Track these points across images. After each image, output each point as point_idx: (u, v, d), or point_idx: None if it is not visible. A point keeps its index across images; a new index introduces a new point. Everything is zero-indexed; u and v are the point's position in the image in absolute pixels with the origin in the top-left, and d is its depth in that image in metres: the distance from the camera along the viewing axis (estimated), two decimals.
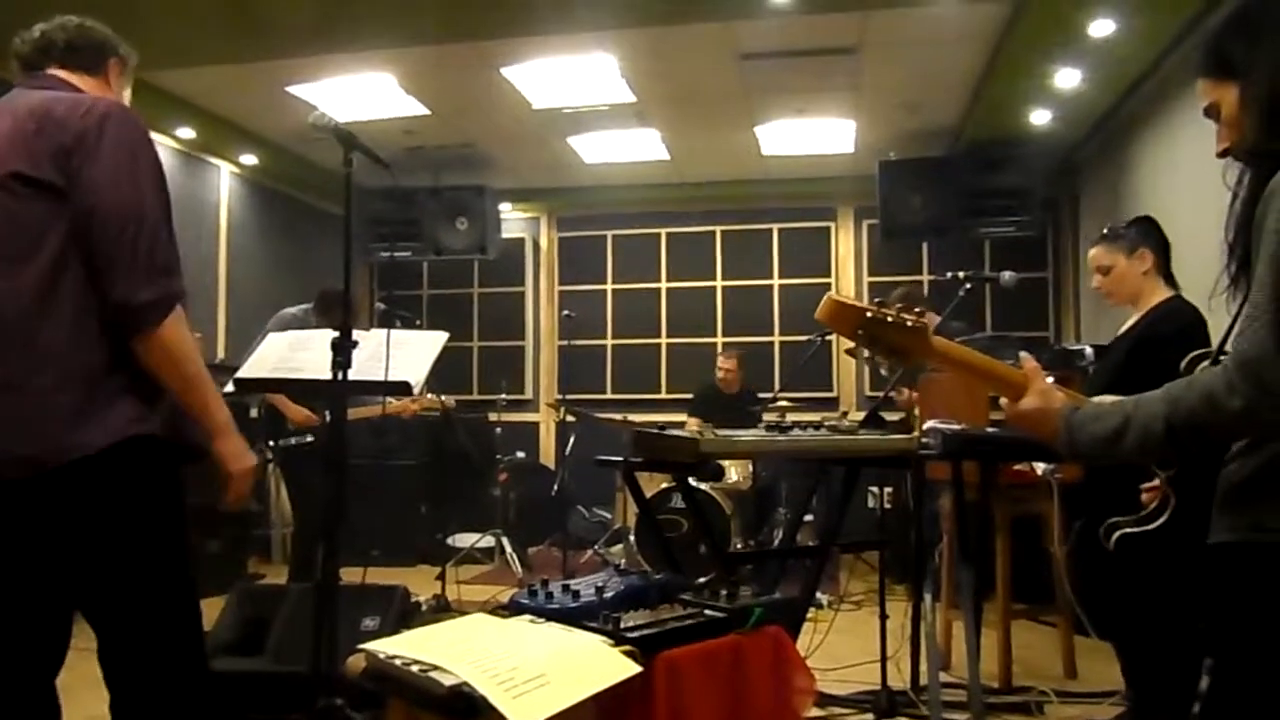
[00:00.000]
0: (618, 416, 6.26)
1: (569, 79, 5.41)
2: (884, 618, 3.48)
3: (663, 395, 7.21)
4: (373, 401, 5.00)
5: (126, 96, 2.03)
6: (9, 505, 1.70)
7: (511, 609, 1.67)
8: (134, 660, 1.77)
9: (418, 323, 5.02)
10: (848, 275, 7.24)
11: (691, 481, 5.63)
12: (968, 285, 3.31)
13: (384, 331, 2.88)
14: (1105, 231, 3.08)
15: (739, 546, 5.34)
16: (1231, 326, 1.41)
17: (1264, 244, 1.25)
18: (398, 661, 1.34)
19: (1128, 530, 1.54)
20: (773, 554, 3.07)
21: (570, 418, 6.38)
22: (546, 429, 7.58)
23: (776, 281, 7.30)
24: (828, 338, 6.66)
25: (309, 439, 4.71)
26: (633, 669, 1.40)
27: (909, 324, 1.48)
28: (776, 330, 7.26)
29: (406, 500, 6.65)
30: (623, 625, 1.54)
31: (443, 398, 5.03)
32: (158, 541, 1.80)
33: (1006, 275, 3.40)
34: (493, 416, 6.76)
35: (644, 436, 2.09)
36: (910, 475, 3.51)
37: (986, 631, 3.89)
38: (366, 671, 1.39)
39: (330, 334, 2.71)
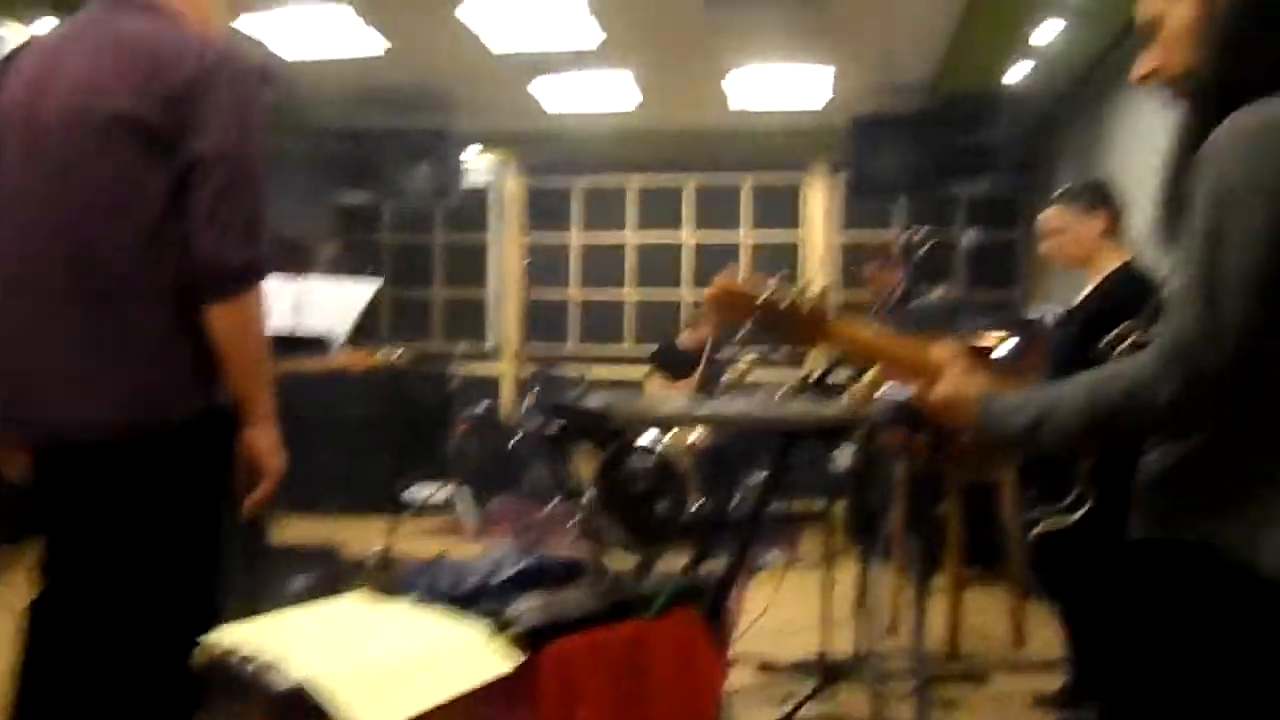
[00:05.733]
0: (576, 373, 6.15)
1: (533, 16, 5.16)
2: (829, 586, 3.41)
3: (627, 349, 7.08)
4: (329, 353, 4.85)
5: None
6: (94, 469, 1.62)
7: (400, 588, 1.56)
8: (134, 640, 1.65)
9: (369, 269, 4.84)
10: (817, 231, 7.10)
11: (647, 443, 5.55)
12: (927, 246, 3.19)
13: (307, 280, 2.72)
14: (1060, 192, 2.99)
15: (696, 508, 5.26)
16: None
17: (1197, 215, 1.12)
18: (235, 657, 1.22)
19: (1048, 525, 1.43)
20: (696, 529, 2.96)
21: (533, 370, 6.28)
22: (510, 381, 7.45)
23: (746, 236, 7.15)
24: None
25: None
26: (505, 667, 1.29)
27: (806, 310, 1.35)
28: None
29: (363, 451, 6.51)
30: (511, 612, 1.43)
31: (393, 354, 4.87)
32: (206, 518, 1.73)
33: (968, 235, 3.27)
34: (455, 367, 6.61)
35: (560, 409, 1.97)
36: (858, 444, 3.41)
37: (938, 596, 3.84)
38: (205, 666, 1.27)
39: None
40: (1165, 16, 1.25)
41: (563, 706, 1.39)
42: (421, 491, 6.44)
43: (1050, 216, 3.02)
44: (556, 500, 6.26)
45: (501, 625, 1.39)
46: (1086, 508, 1.44)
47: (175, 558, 1.69)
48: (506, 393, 7.46)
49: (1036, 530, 1.46)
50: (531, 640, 1.39)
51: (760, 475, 6.22)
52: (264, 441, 1.71)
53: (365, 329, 4.93)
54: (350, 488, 6.43)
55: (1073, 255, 2.98)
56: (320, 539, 4.66)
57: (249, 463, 1.72)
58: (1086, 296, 2.94)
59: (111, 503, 1.63)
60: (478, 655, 1.29)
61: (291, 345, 2.83)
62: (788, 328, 1.37)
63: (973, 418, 1.33)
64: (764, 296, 1.35)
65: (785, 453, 2.23)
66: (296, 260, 4.43)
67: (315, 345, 2.80)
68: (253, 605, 2.83)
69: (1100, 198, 2.90)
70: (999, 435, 1.31)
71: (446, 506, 6.33)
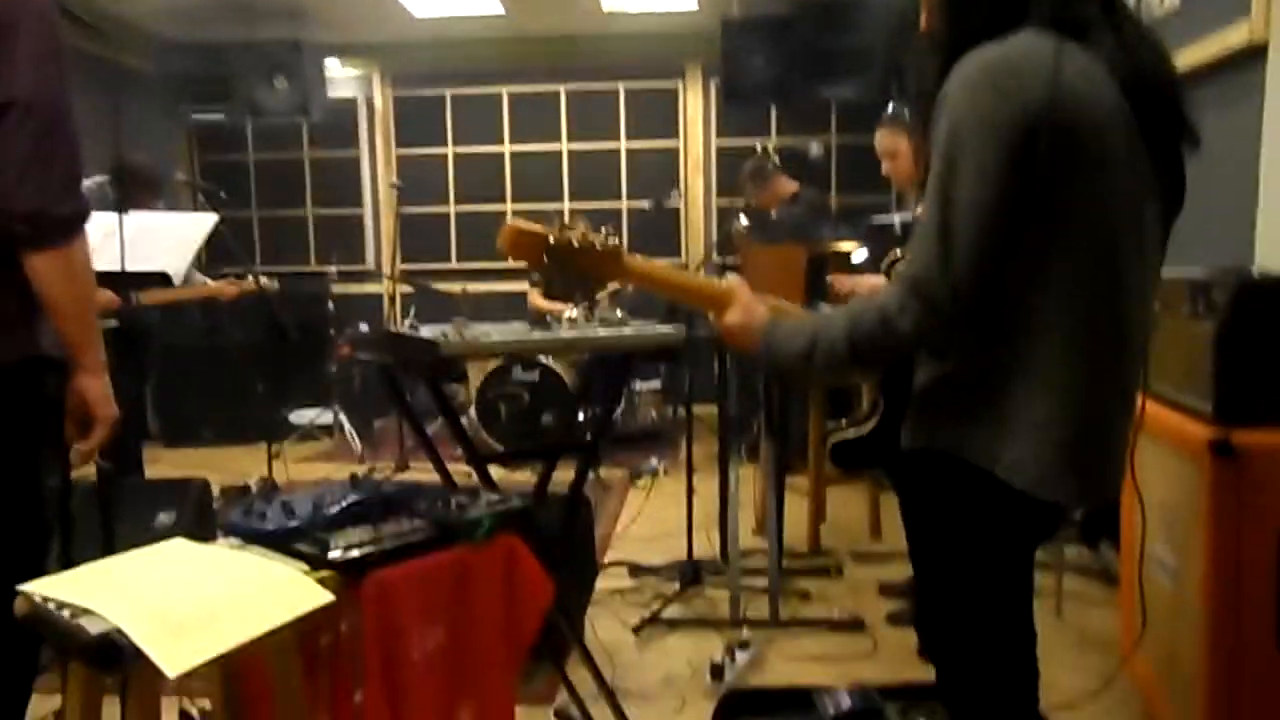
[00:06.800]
0: (456, 288, 6.09)
1: None
2: (690, 492, 3.56)
3: (509, 263, 7.01)
4: (194, 281, 4.70)
5: None
6: None
7: (225, 530, 1.58)
8: None
9: (222, 195, 4.65)
10: (696, 138, 7.09)
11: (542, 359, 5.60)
12: (774, 162, 3.25)
13: (142, 216, 2.62)
14: (886, 113, 3.04)
15: (581, 418, 5.35)
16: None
17: (933, 157, 1.20)
18: (50, 605, 1.24)
19: (840, 438, 1.54)
20: (532, 454, 3.04)
21: (410, 289, 6.21)
22: (392, 300, 7.33)
23: (624, 144, 7.10)
24: (670, 204, 6.58)
25: (112, 324, 4.39)
26: (324, 599, 1.34)
27: (598, 247, 1.39)
28: (624, 195, 7.11)
29: (241, 378, 6.40)
30: (333, 546, 1.47)
31: (262, 280, 4.73)
32: (25, 466, 1.69)
33: (814, 148, 3.35)
34: (334, 289, 6.48)
35: (390, 338, 1.98)
36: (716, 354, 3.52)
37: (801, 495, 4.05)
38: (26, 616, 1.28)
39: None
40: None
41: (386, 636, 1.45)
42: (304, 416, 6.38)
43: (881, 140, 3.07)
44: (440, 420, 6.29)
45: (318, 561, 1.44)
46: (876, 420, 1.55)
47: None
48: (389, 311, 7.36)
49: (831, 440, 1.57)
50: (352, 572, 1.44)
51: (650, 384, 6.40)
52: (95, 389, 1.69)
53: (232, 254, 4.78)
54: (228, 416, 6.34)
55: (908, 175, 3.05)
56: (198, 470, 4.61)
57: (80, 410, 1.70)
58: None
59: None
60: (294, 591, 1.33)
61: (130, 282, 2.73)
62: (582, 266, 1.41)
63: (756, 344, 1.42)
64: (554, 237, 1.38)
65: (625, 371, 2.29)
66: (146, 187, 4.23)
67: (155, 281, 2.71)
68: (115, 544, 2.82)
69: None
70: (779, 359, 1.40)
71: (332, 430, 6.30)
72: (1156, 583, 2.21)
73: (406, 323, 5.89)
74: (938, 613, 1.48)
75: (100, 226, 2.46)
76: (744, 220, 3.92)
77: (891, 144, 2.99)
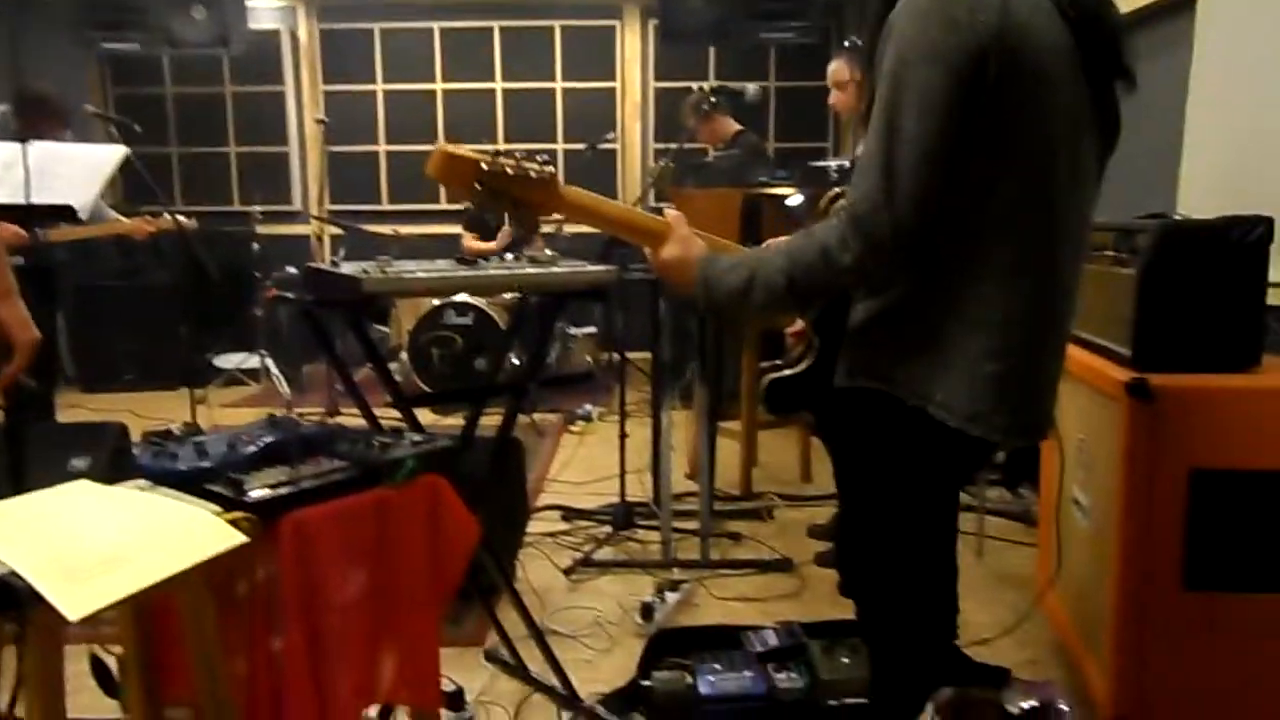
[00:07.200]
0: (387, 230, 5.95)
1: None
2: (623, 436, 3.56)
3: (441, 205, 6.87)
4: (107, 218, 4.49)
5: None
6: None
7: (135, 471, 1.52)
8: None
9: (137, 128, 4.43)
10: (633, 79, 6.98)
11: (468, 299, 5.51)
12: (712, 99, 3.20)
13: (47, 146, 2.47)
14: (847, 44, 3.02)
15: (516, 361, 5.29)
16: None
17: (878, 88, 1.18)
18: None
19: (774, 376, 1.53)
20: (458, 396, 3.00)
21: (338, 230, 6.02)
22: (319, 241, 7.13)
23: (559, 84, 6.95)
24: (606, 145, 6.48)
25: (18, 260, 4.18)
26: (236, 540, 1.29)
27: (533, 175, 1.34)
28: (560, 137, 6.98)
29: (162, 321, 6.18)
30: (248, 487, 1.42)
31: (180, 218, 4.53)
32: None
33: (751, 89, 3.31)
34: (259, 229, 6.26)
35: (311, 274, 1.91)
36: (651, 297, 3.50)
37: (734, 440, 4.07)
38: None
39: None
40: None
41: (304, 579, 1.41)
42: (230, 360, 6.21)
43: (836, 70, 3.05)
44: (369, 364, 6.16)
45: (235, 500, 1.39)
46: (809, 361, 1.54)
47: None
48: (318, 252, 7.16)
49: (764, 380, 1.56)
50: (267, 513, 1.39)
51: (584, 329, 6.36)
52: (7, 314, 1.68)
53: (150, 191, 4.57)
54: (150, 360, 6.15)
55: (852, 106, 3.04)
56: (118, 415, 4.45)
57: (5, 339, 1.68)
58: None
59: None
60: (204, 532, 1.28)
61: (35, 216, 2.59)
62: (515, 194, 1.36)
63: (693, 279, 1.39)
64: (487, 163, 1.33)
65: (554, 313, 2.26)
66: (51, 117, 4.01)
67: (61, 215, 2.57)
68: (26, 490, 2.71)
69: None
70: (717, 295, 1.37)
71: (259, 374, 6.14)
72: (1073, 522, 2.27)
73: (329, 260, 5.74)
74: (861, 549, 1.50)
75: (0, 157, 2.33)
76: (669, 163, 3.87)
77: (845, 75, 2.97)
